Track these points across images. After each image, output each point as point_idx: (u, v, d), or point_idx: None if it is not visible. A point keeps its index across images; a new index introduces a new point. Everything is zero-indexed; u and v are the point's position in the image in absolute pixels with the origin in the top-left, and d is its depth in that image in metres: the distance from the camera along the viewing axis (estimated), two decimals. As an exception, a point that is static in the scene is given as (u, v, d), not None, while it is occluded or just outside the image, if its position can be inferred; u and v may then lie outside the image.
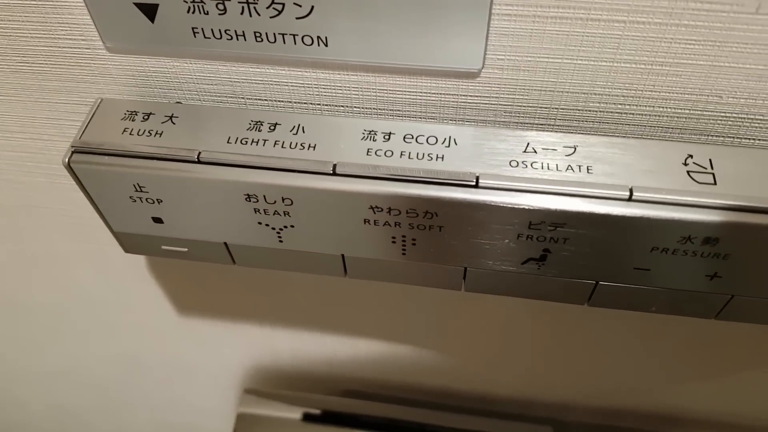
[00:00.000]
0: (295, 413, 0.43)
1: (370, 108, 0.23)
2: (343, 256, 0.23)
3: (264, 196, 0.21)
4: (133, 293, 0.36)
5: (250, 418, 0.43)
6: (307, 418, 0.43)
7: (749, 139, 0.21)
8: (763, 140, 0.21)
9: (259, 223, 0.22)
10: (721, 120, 0.21)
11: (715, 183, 0.19)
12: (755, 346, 0.32)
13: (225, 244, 0.24)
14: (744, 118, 0.21)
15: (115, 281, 0.35)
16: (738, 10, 0.18)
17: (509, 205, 0.19)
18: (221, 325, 0.39)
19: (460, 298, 0.32)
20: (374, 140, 0.21)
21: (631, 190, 0.19)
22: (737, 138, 0.21)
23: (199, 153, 0.21)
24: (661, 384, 0.37)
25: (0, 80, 0.24)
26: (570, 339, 0.34)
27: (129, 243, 0.25)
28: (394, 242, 0.22)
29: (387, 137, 0.21)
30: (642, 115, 0.21)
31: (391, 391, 0.42)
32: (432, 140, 0.21)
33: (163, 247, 0.25)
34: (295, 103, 0.23)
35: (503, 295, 0.24)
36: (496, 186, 0.19)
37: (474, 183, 0.19)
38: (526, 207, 0.19)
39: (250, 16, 0.20)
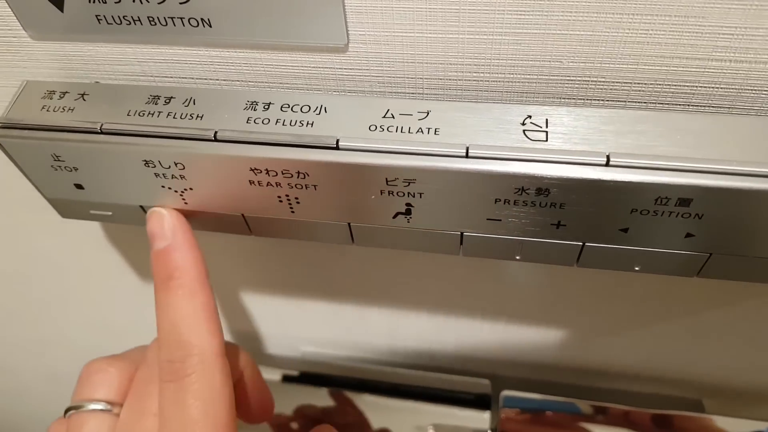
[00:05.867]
0: (268, 374, 0.47)
1: (262, 82, 0.26)
2: (243, 215, 0.26)
3: (159, 162, 0.24)
4: (94, 261, 0.40)
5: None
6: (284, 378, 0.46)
7: (596, 99, 0.23)
8: (607, 100, 0.23)
9: (163, 186, 0.25)
10: (567, 83, 0.23)
11: (546, 140, 0.21)
12: (664, 298, 0.34)
13: (141, 207, 0.27)
14: (587, 80, 0.23)
15: (76, 249, 0.39)
16: (554, -19, 0.20)
17: (365, 164, 0.22)
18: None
19: (400, 255, 0.34)
20: (255, 110, 0.23)
21: (467, 149, 0.21)
22: (586, 99, 0.24)
23: (101, 125, 0.23)
24: (590, 339, 0.39)
25: (-56, 69, 0.28)
26: (502, 296, 0.37)
27: (62, 208, 0.28)
28: (281, 201, 0.25)
29: (266, 107, 0.23)
30: (496, 81, 0.23)
31: (343, 350, 0.46)
32: (305, 109, 0.23)
33: (91, 211, 0.28)
34: (197, 79, 0.26)
35: (389, 248, 0.26)
36: (353, 147, 0.22)
37: (335, 145, 0.22)
38: (379, 165, 0.22)
39: (141, 3, 0.23)
